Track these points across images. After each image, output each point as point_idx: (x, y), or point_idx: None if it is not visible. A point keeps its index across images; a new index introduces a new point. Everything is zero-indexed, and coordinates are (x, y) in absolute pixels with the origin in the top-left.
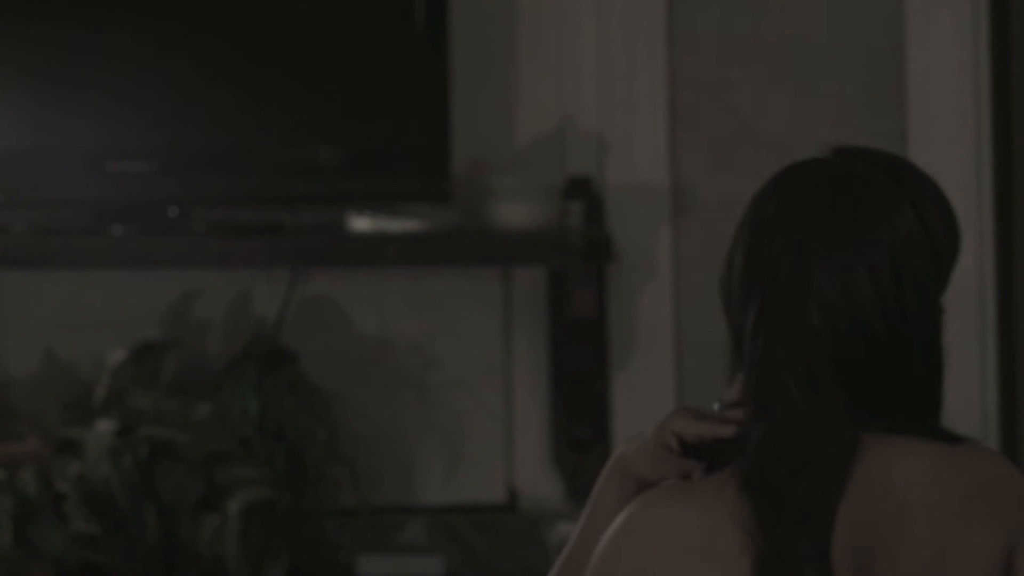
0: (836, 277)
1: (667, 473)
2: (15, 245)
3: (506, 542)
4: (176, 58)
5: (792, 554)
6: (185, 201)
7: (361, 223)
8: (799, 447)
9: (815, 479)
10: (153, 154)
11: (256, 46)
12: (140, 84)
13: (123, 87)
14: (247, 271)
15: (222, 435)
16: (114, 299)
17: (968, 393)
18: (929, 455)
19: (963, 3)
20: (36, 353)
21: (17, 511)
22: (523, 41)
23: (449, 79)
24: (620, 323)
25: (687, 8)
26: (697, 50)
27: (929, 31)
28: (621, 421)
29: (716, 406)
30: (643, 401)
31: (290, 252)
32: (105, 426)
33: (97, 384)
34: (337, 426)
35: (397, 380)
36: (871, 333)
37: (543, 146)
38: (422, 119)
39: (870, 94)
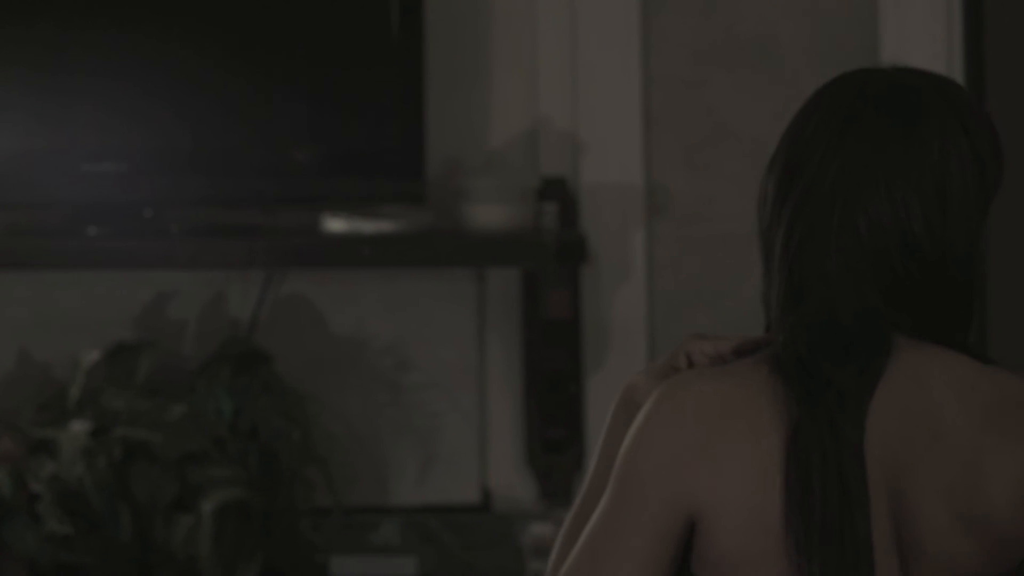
0: (886, 198)
1: None
2: None
3: (480, 542)
4: (152, 61)
5: (829, 427)
6: (160, 202)
7: (336, 224)
8: (837, 330)
9: (852, 362)
10: (128, 156)
11: (231, 48)
12: (115, 86)
13: (98, 89)
14: (222, 272)
15: (196, 436)
16: (89, 300)
17: None
18: (963, 365)
19: (937, 3)
20: (11, 353)
21: None
22: (497, 43)
23: (424, 81)
24: (594, 324)
25: (661, 9)
26: (671, 50)
27: (903, 31)
28: (595, 422)
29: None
30: None
31: (265, 253)
32: (79, 426)
33: (71, 384)
34: (311, 427)
35: (371, 381)
36: (914, 251)
37: (517, 147)
38: (397, 121)
39: None
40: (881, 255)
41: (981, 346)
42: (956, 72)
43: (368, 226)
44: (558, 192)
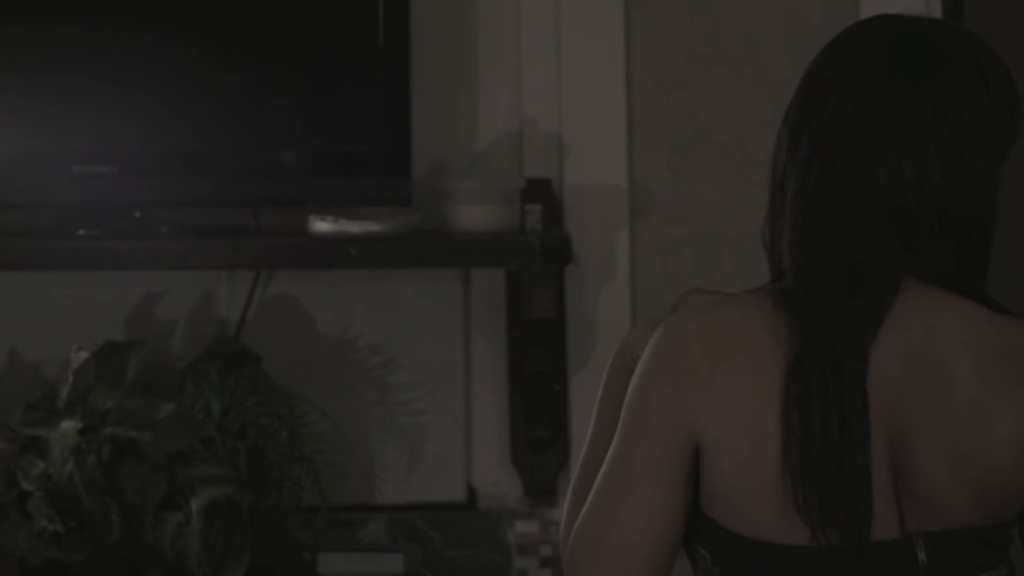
0: (902, 141)
1: None
2: None
3: (466, 540)
4: (141, 64)
5: (832, 359)
6: (149, 204)
7: (323, 225)
8: (847, 265)
9: (858, 297)
10: (118, 158)
11: (221, 52)
12: (105, 89)
13: (89, 92)
14: (210, 272)
15: (185, 434)
16: (79, 300)
17: None
18: (974, 313)
19: (917, 7)
20: (1, 353)
21: None
22: (482, 46)
23: (410, 85)
24: (578, 324)
25: (644, 12)
26: (654, 53)
27: None
28: (579, 420)
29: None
30: None
31: (253, 254)
32: (69, 425)
33: (61, 384)
34: (298, 425)
35: (358, 380)
36: (930, 195)
37: (502, 149)
38: (383, 123)
39: None
40: (897, 198)
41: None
42: None
43: (355, 227)
44: (543, 194)
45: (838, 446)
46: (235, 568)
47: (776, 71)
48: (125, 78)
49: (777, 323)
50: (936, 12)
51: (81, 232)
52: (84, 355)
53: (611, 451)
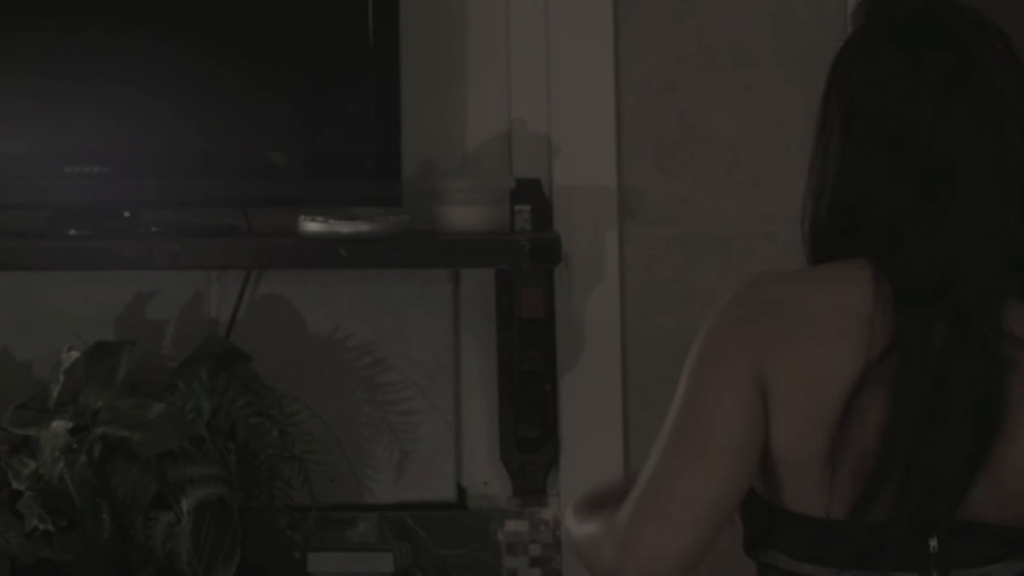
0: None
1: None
2: None
3: (455, 539)
4: (133, 65)
5: (956, 351)
6: (140, 204)
7: (313, 226)
8: (961, 238)
9: (979, 290)
10: (109, 159)
11: (211, 54)
12: (96, 91)
13: (80, 93)
14: (201, 272)
15: (175, 434)
16: (70, 300)
17: None
18: None
19: None
20: None
21: None
22: (471, 47)
23: (399, 85)
24: (568, 323)
25: (633, 13)
26: (643, 54)
27: None
28: (568, 420)
29: None
30: (590, 400)
31: (243, 254)
32: (60, 425)
33: (52, 383)
34: (289, 425)
35: (348, 380)
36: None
37: (492, 150)
38: (373, 124)
39: (815, 97)
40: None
41: None
42: None
43: (345, 227)
44: (532, 194)
45: (964, 433)
46: (225, 567)
47: (764, 72)
48: (117, 79)
49: (876, 296)
50: None
51: (72, 232)
52: (75, 355)
53: (680, 400)
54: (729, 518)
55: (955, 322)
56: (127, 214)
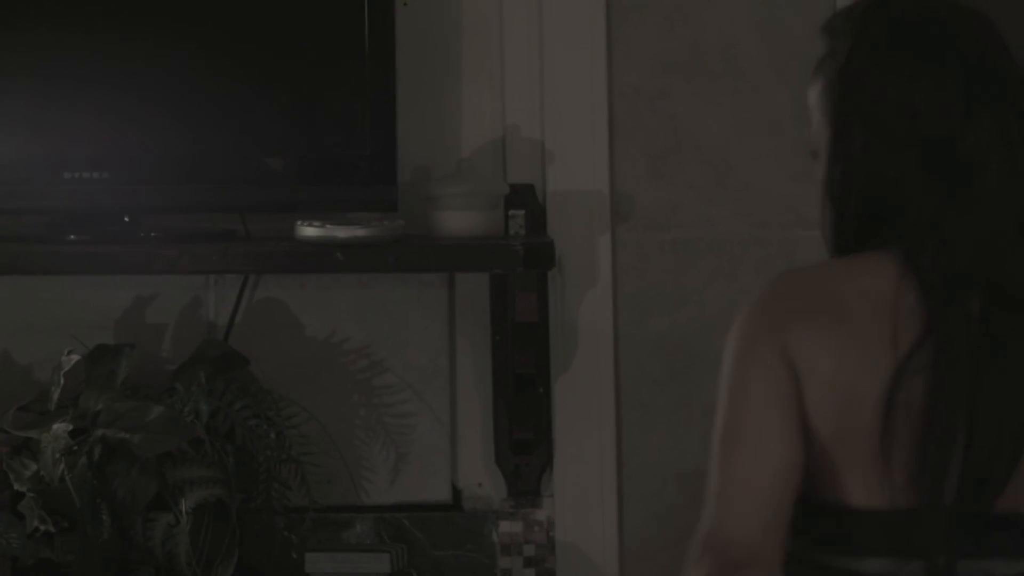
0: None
1: None
2: None
3: (451, 540)
4: (131, 71)
5: (970, 319)
6: (139, 209)
7: (310, 231)
8: (994, 226)
9: (996, 259)
10: (108, 164)
11: (208, 61)
12: (96, 97)
13: (80, 100)
14: (199, 277)
15: (174, 436)
16: (70, 304)
17: None
18: None
19: None
20: None
21: None
22: (466, 54)
23: (395, 92)
24: (561, 327)
25: (626, 21)
26: (635, 62)
27: None
28: (562, 422)
29: None
30: (583, 403)
31: (241, 259)
32: (60, 427)
33: (53, 386)
34: (286, 427)
35: (345, 383)
36: None
37: (486, 156)
38: (369, 130)
39: (806, 104)
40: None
41: None
42: None
43: (342, 232)
44: (526, 199)
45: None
46: (224, 567)
47: (755, 79)
48: (115, 85)
49: (900, 285)
50: None
51: (72, 237)
52: (75, 358)
53: (724, 392)
54: (798, 489)
55: (996, 305)
56: (127, 219)
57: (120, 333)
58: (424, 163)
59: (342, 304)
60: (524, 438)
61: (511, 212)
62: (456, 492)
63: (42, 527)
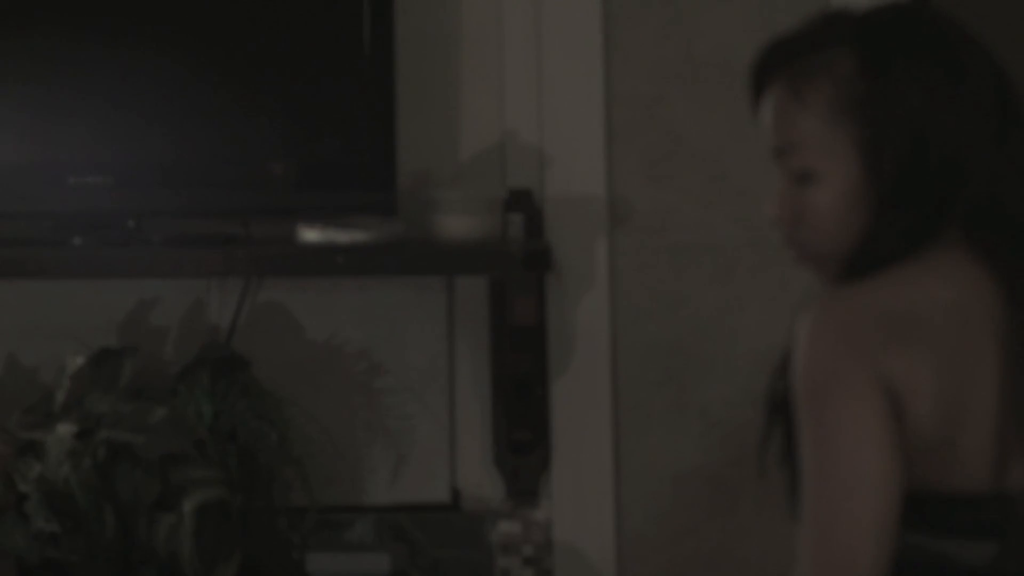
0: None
1: None
2: None
3: (450, 540)
4: (135, 78)
5: None
6: (142, 214)
7: (311, 234)
8: None
9: None
10: (112, 169)
11: (210, 67)
12: (100, 103)
13: (84, 105)
14: (201, 280)
15: (177, 437)
16: (74, 308)
17: None
18: None
19: None
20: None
21: None
22: (466, 59)
23: (395, 97)
24: (559, 330)
25: (623, 27)
26: (633, 68)
27: None
28: (560, 424)
29: None
30: (581, 404)
31: (243, 262)
32: (65, 429)
33: (58, 389)
34: (288, 429)
35: (345, 385)
36: None
37: (485, 160)
38: (369, 135)
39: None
40: None
41: None
42: None
43: (342, 236)
44: (524, 203)
45: None
46: (226, 567)
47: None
48: (119, 92)
49: (979, 287)
50: None
51: (76, 241)
52: (79, 361)
53: (810, 432)
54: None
55: None
56: (130, 224)
57: (123, 336)
58: (423, 168)
59: (342, 307)
60: (522, 439)
61: (509, 216)
62: (455, 493)
63: (47, 527)
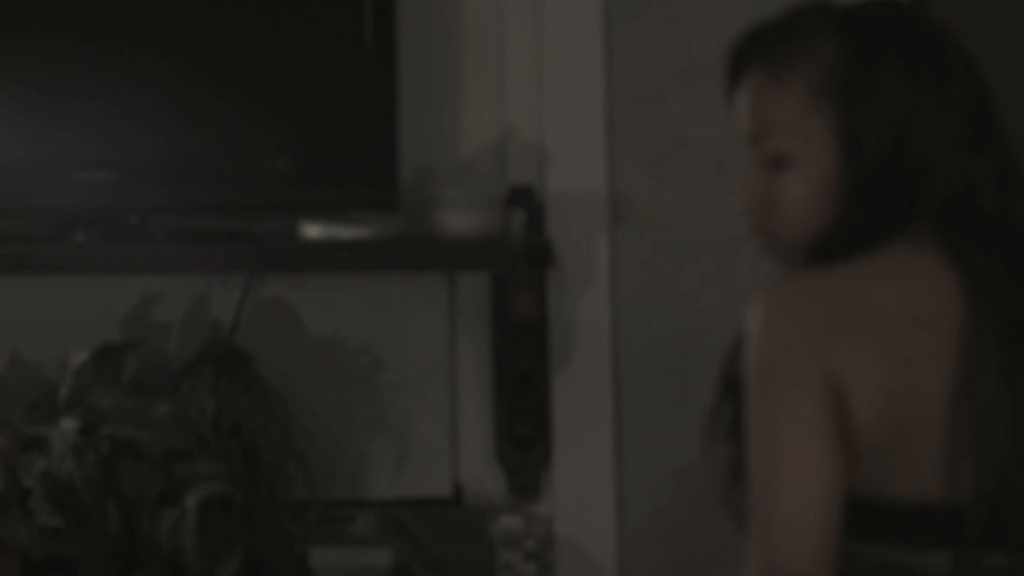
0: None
1: None
2: None
3: (451, 535)
4: (138, 75)
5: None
6: (145, 210)
7: (313, 230)
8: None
9: None
10: (115, 165)
11: (214, 64)
12: (103, 99)
13: (87, 102)
14: (204, 276)
15: (180, 433)
16: (77, 303)
17: None
18: None
19: None
20: (3, 355)
21: None
22: (467, 56)
23: (397, 93)
24: (560, 325)
25: (623, 25)
26: (633, 65)
27: None
28: (561, 419)
29: None
30: (582, 400)
31: (245, 258)
32: (69, 424)
33: (61, 384)
34: (290, 424)
35: (348, 380)
36: None
37: (486, 156)
38: (371, 131)
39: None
40: None
41: None
42: None
43: (344, 232)
44: (525, 199)
45: None
46: (229, 561)
47: None
48: (121, 88)
49: (940, 276)
50: None
51: (79, 237)
52: (83, 356)
53: (757, 418)
54: (841, 506)
55: None
56: (133, 220)
57: (127, 331)
58: (425, 164)
59: (344, 303)
60: (524, 434)
61: (510, 212)
62: (457, 487)
63: (51, 522)
